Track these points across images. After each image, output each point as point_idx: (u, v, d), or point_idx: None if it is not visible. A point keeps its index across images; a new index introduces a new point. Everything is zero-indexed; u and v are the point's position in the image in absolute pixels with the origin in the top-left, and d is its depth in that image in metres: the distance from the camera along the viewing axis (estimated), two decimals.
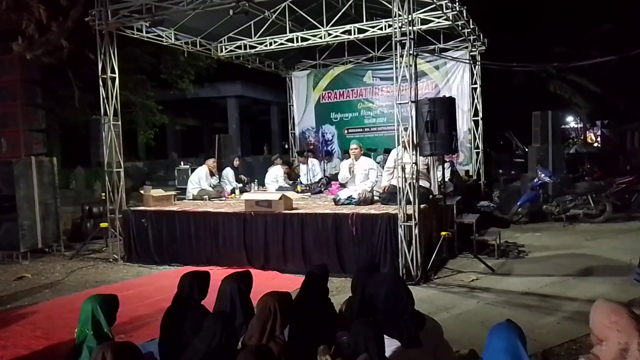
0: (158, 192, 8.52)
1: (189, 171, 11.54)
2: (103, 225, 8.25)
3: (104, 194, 8.12)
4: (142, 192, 8.79)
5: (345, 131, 12.54)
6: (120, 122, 8.04)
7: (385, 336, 2.61)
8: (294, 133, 13.28)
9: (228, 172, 10.34)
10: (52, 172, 8.59)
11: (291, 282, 5.77)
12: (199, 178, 9.43)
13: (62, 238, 8.73)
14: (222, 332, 2.61)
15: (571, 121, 29.56)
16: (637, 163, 13.20)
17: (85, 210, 9.84)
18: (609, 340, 2.20)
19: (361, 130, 12.34)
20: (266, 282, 5.95)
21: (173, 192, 8.95)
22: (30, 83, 8.34)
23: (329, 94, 12.63)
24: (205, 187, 9.35)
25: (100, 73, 7.83)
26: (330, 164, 11.53)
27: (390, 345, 2.61)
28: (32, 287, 6.57)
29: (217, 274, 6.31)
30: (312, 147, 12.44)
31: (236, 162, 10.79)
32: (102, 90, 7.84)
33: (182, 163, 14.14)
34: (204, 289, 3.59)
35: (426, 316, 2.79)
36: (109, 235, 8.08)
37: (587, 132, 27.65)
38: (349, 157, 8.29)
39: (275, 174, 10.24)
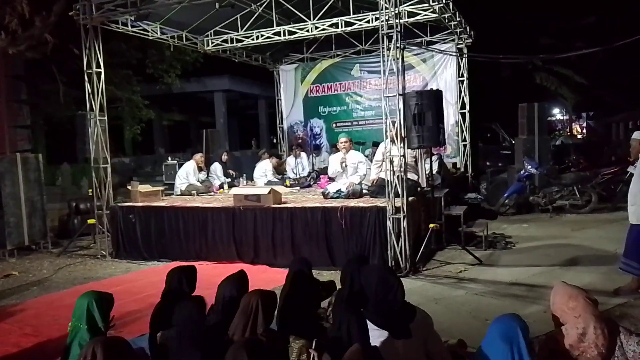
0: (146, 187, 8.46)
1: (177, 166, 11.45)
2: (91, 221, 8.19)
3: (91, 190, 8.06)
4: (129, 187, 8.73)
5: (334, 125, 12.53)
6: (106, 118, 7.97)
7: (375, 327, 2.64)
8: (282, 127, 13.25)
9: (216, 167, 10.30)
10: (37, 169, 8.50)
11: (281, 276, 5.70)
12: (187, 173, 9.38)
13: (49, 235, 8.66)
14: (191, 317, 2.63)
15: (557, 113, 29.87)
16: (622, 154, 13.34)
17: (72, 206, 9.75)
18: (568, 324, 2.35)
19: (349, 123, 12.33)
20: (256, 276, 5.93)
21: (161, 188, 8.91)
22: (14, 78, 8.23)
23: (317, 88, 12.61)
24: (193, 182, 9.31)
25: (85, 68, 7.75)
26: (319, 158, 11.53)
27: (380, 336, 2.63)
28: (20, 285, 6.52)
29: (207, 269, 6.36)
30: (300, 141, 12.43)
31: (224, 157, 10.75)
32: (87, 85, 7.76)
33: (169, 158, 14.02)
34: (192, 283, 3.61)
35: (417, 308, 2.81)
36: (97, 232, 8.04)
37: (573, 123, 27.95)
38: (337, 150, 8.26)
39: (264, 168, 10.22)
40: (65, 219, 9.77)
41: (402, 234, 6.09)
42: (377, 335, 2.62)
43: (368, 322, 2.66)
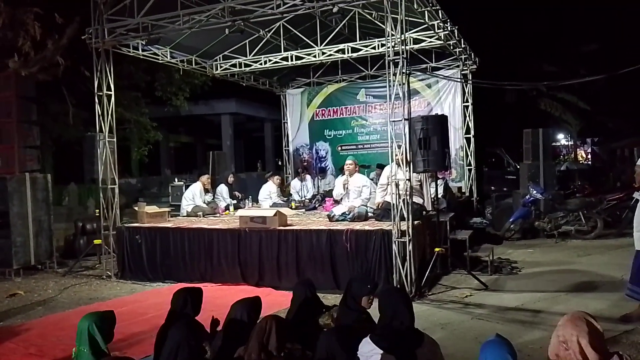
0: (152, 208, 8.52)
1: (183, 188, 11.55)
2: (97, 241, 8.23)
3: (98, 210, 8.11)
4: (136, 208, 8.79)
5: (339, 148, 12.62)
6: (115, 139, 8.07)
7: (380, 350, 2.65)
8: (288, 150, 13.35)
9: (222, 189, 10.36)
10: (46, 189, 8.57)
11: (285, 299, 5.73)
12: (193, 194, 9.44)
13: (55, 255, 8.69)
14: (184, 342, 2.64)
15: (562, 138, 29.92)
16: (627, 180, 13.35)
17: (79, 226, 9.80)
18: (554, 337, 2.36)
19: (354, 147, 12.42)
20: (261, 298, 5.94)
21: (167, 209, 8.95)
22: (26, 100, 8.36)
23: (323, 112, 12.74)
24: (199, 203, 9.36)
25: (95, 90, 7.88)
26: (324, 181, 11.58)
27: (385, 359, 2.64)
28: (25, 305, 6.52)
29: (211, 290, 6.36)
30: (305, 163, 12.51)
31: (230, 179, 10.81)
32: (97, 107, 7.88)
33: (175, 179, 14.17)
34: (197, 305, 3.62)
35: (425, 334, 2.82)
36: (103, 252, 8.05)
37: (578, 149, 27.97)
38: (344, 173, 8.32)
39: (269, 190, 10.27)
40: (71, 239, 9.81)
41: (408, 257, 6.09)
42: (382, 359, 2.63)
43: (374, 345, 2.67)
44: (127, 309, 5.96)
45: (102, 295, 6.90)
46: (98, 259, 8.55)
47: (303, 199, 10.48)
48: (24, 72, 9.71)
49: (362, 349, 2.74)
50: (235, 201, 10.22)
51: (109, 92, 7.92)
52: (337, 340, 2.74)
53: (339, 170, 10.80)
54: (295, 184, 11.19)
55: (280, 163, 16.25)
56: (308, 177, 11.10)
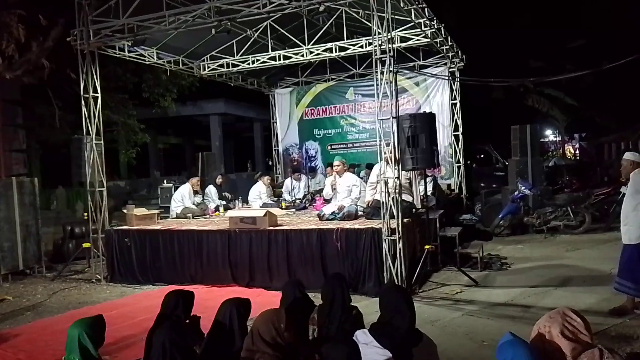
0: (141, 210, 8.46)
1: (172, 189, 11.48)
2: (85, 245, 8.15)
3: (86, 213, 8.04)
4: (124, 211, 8.72)
5: (329, 147, 12.63)
6: (102, 142, 8.00)
7: (378, 345, 2.65)
8: (278, 150, 13.33)
9: (211, 190, 10.32)
10: (33, 193, 8.48)
11: (276, 299, 5.70)
12: (182, 196, 9.39)
13: (43, 259, 8.60)
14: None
15: (550, 134, 30.14)
16: (614, 174, 13.49)
17: (67, 230, 9.72)
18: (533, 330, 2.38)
19: (344, 146, 12.45)
20: (251, 299, 5.92)
21: (156, 211, 8.89)
22: (11, 103, 8.27)
23: (312, 111, 12.74)
24: (188, 205, 9.31)
25: (82, 92, 7.81)
26: (314, 180, 11.58)
27: (383, 355, 2.64)
28: (14, 310, 6.46)
29: (201, 292, 6.33)
30: (295, 163, 12.49)
31: (219, 180, 10.77)
32: (84, 109, 7.81)
33: (164, 181, 14.05)
34: (188, 308, 3.60)
35: (423, 334, 2.83)
36: (92, 256, 7.98)
37: (566, 144, 28.19)
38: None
39: (258, 191, 10.24)
40: (60, 243, 9.72)
41: (398, 255, 6.10)
42: (379, 354, 2.64)
43: (372, 338, 2.68)
44: (117, 313, 5.92)
45: (91, 299, 6.84)
46: (87, 263, 8.49)
47: (294, 198, 10.47)
48: (8, 75, 9.62)
49: (358, 337, 2.74)
50: (224, 202, 10.18)
51: (95, 94, 7.85)
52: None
53: (328, 168, 10.78)
54: (288, 183, 11.16)
55: (270, 163, 16.23)
56: (303, 177, 11.08)
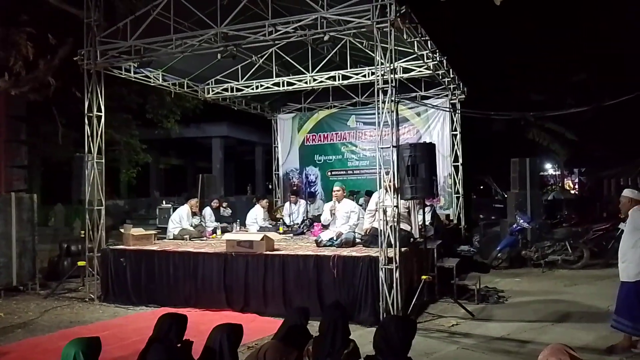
0: (138, 231, 8.43)
1: (171, 210, 11.47)
2: (81, 263, 8.09)
3: (83, 231, 8.02)
4: (122, 230, 8.69)
5: (329, 173, 12.66)
6: (104, 160, 8.04)
7: None
8: (278, 174, 13.36)
9: (207, 212, 10.34)
10: (31, 209, 8.47)
11: (270, 326, 5.68)
12: (180, 217, 9.37)
13: (37, 276, 8.54)
14: None
15: (549, 168, 30.23)
16: (614, 210, 13.48)
17: (63, 248, 9.67)
18: None
19: (344, 172, 12.47)
20: (244, 325, 5.86)
21: (153, 231, 8.87)
22: (15, 119, 8.33)
23: (314, 137, 12.82)
24: (186, 226, 9.28)
25: (86, 111, 7.87)
26: (313, 206, 11.57)
27: None
28: (4, 327, 6.38)
29: (195, 316, 6.26)
30: (295, 188, 12.52)
31: (214, 204, 10.77)
32: (87, 128, 7.87)
33: (164, 202, 14.08)
34: (181, 332, 3.56)
35: None
36: (87, 274, 7.93)
37: (565, 179, 28.26)
38: None
39: (255, 214, 10.24)
40: (56, 260, 9.65)
41: (395, 285, 6.06)
42: None
43: None
44: (109, 333, 5.84)
45: (83, 319, 6.77)
46: (82, 281, 8.42)
47: (292, 223, 10.45)
48: (14, 91, 9.70)
49: None
50: (222, 224, 10.15)
51: (99, 114, 7.91)
52: None
53: (330, 194, 10.80)
54: (287, 207, 11.17)
55: (270, 187, 16.25)
56: (302, 201, 11.09)
